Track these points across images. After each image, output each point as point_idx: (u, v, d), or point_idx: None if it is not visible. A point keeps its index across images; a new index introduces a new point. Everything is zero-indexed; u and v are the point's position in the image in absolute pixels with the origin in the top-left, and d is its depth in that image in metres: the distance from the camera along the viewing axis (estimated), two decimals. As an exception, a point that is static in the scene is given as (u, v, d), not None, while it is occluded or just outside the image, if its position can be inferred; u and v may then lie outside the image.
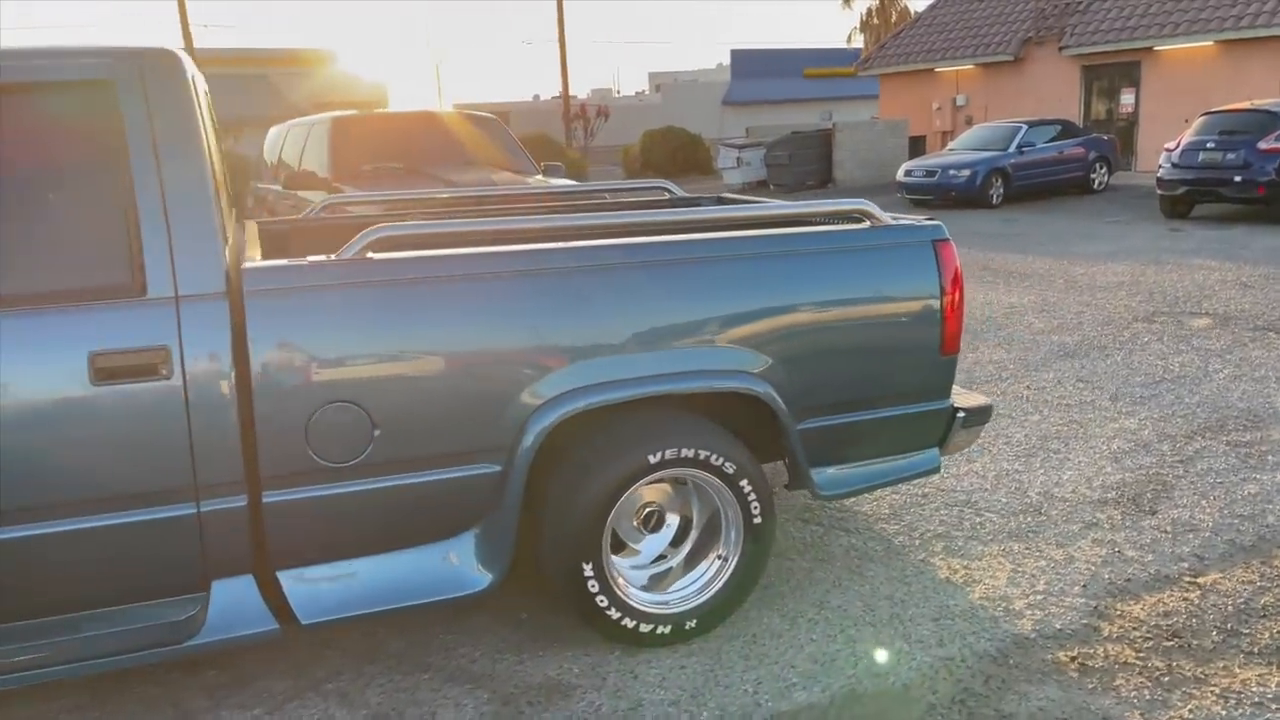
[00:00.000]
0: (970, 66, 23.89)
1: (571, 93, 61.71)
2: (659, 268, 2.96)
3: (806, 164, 22.23)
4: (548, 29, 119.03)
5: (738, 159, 23.24)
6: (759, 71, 49.29)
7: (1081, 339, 6.97)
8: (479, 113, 9.41)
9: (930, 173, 17.25)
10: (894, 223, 3.31)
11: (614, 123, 41.69)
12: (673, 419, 3.06)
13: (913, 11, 26.94)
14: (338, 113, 8.59)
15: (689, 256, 3.01)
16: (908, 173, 17.72)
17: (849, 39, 34.99)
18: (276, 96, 42.97)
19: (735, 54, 51.09)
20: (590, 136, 43.94)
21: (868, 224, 3.29)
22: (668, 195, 4.94)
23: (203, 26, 41.09)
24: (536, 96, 60.08)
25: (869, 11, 30.16)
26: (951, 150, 18.51)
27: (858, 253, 3.23)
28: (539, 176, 8.51)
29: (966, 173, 16.84)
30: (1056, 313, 7.91)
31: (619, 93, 71.93)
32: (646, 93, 59.89)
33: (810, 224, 3.64)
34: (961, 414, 3.47)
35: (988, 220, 14.92)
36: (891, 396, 3.33)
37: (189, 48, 34.66)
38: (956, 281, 3.32)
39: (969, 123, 22.98)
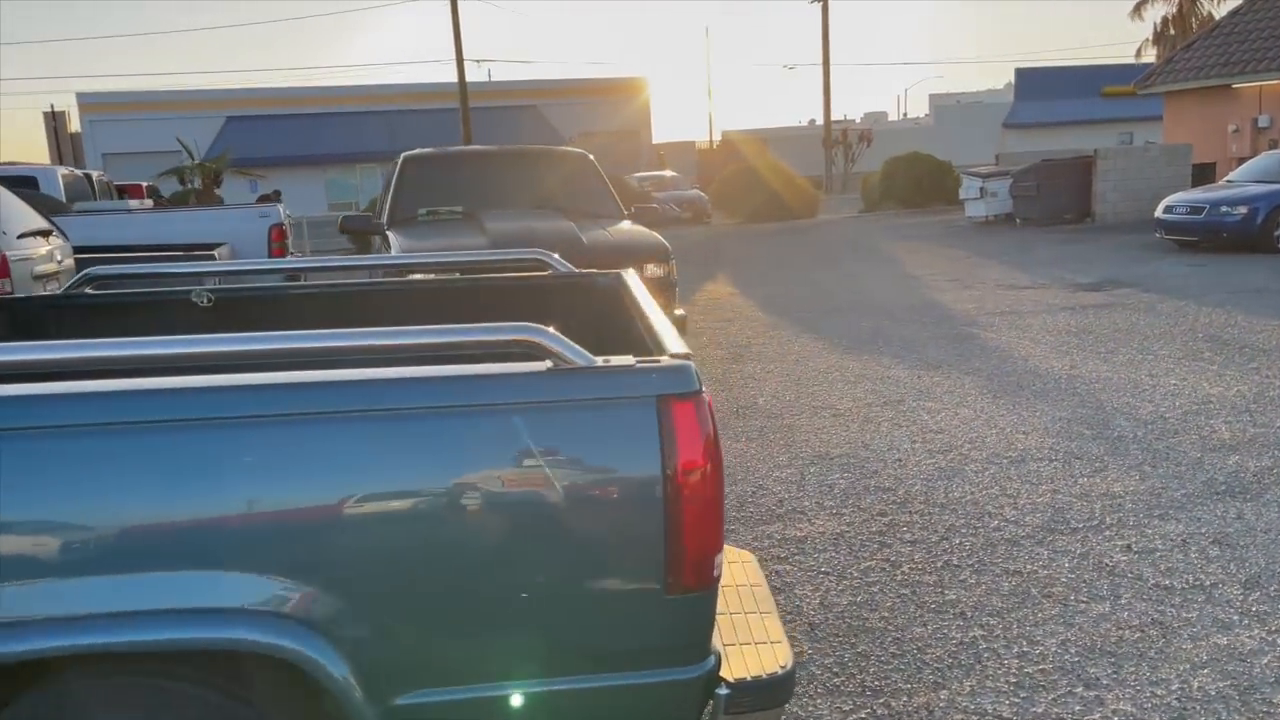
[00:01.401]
0: (1278, 82, 20.16)
1: (848, 116, 60.07)
2: (100, 434, 1.81)
3: (1059, 195, 19.56)
4: (832, 52, 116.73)
5: (981, 189, 20.91)
6: (1046, 91, 45.30)
7: None
8: (570, 149, 8.46)
9: (1196, 209, 14.42)
10: (592, 364, 1.95)
11: (883, 148, 39.35)
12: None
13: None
14: (415, 151, 7.93)
15: (153, 418, 1.84)
16: (1169, 209, 14.94)
17: (1138, 54, 31.01)
18: (544, 126, 44.49)
19: (1020, 73, 47.35)
20: (851, 162, 42.08)
21: (547, 365, 1.96)
22: (549, 270, 3.72)
23: (475, 62, 43.07)
24: (812, 121, 58.70)
25: (1163, 21, 26.43)
26: (1229, 182, 15.46)
27: (516, 415, 1.91)
28: (626, 223, 7.42)
29: (1243, 210, 13.91)
30: None
31: (905, 115, 69.08)
32: (923, 115, 56.87)
33: (467, 356, 2.29)
34: (725, 691, 2.04)
35: (1268, 271, 12.10)
36: (569, 659, 1.97)
37: (461, 81, 36.37)
38: (702, 469, 1.93)
39: (1273, 147, 19.33)
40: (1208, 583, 3.67)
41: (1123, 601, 3.56)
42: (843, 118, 60.26)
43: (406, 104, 42.71)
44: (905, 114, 70.41)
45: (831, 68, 38.79)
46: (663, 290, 6.57)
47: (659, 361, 1.97)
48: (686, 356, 2.02)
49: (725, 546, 2.27)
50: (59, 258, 6.14)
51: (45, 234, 6.06)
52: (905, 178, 25.31)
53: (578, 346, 1.95)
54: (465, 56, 37.05)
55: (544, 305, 3.61)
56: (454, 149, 8.29)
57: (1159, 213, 15.11)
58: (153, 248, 7.69)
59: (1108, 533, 4.18)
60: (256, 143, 41.17)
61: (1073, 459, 5.18)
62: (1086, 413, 6.06)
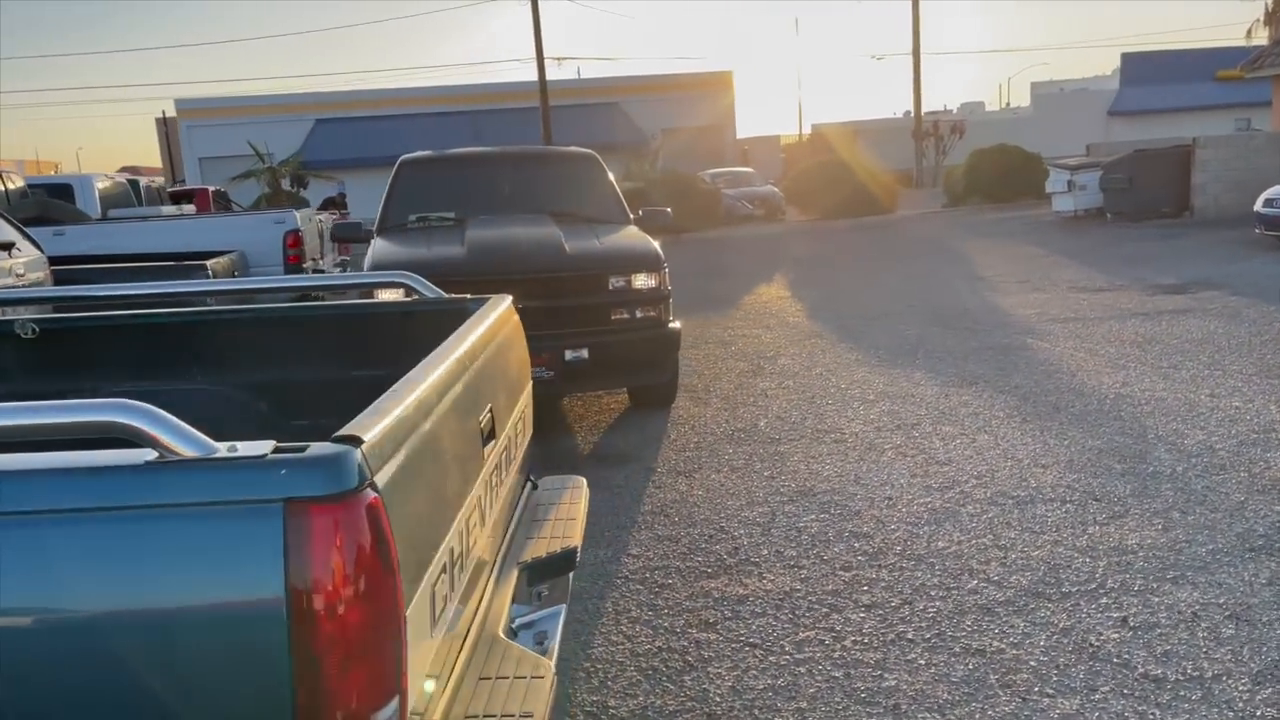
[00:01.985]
0: (1403, 59, 18.46)
1: (947, 107, 58.02)
2: None
3: (1154, 188, 18.27)
4: (927, 40, 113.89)
5: (1069, 182, 19.72)
6: (1154, 76, 43.02)
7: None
8: (578, 149, 7.97)
9: (1300, 201, 13.19)
10: (210, 454, 1.46)
11: (977, 139, 37.91)
12: None
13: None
14: (413, 154, 7.56)
15: None
16: (1269, 202, 13.71)
17: (1248, 34, 28.99)
18: (625, 123, 44.13)
19: (1126, 58, 45.10)
20: (942, 155, 40.61)
21: (148, 457, 1.46)
22: (410, 297, 3.26)
23: (556, 60, 42.96)
24: (906, 113, 57.03)
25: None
26: (1340, 171, 14.11)
27: (98, 523, 1.43)
28: (628, 229, 6.92)
29: (1353, 202, 12.64)
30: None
31: (1008, 104, 66.57)
32: (1024, 105, 54.61)
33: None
34: None
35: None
36: None
37: (541, 79, 36.24)
38: (348, 598, 1.43)
39: (1396, 132, 17.71)
40: (1209, 673, 2.99)
41: (1097, 697, 2.91)
42: (943, 108, 58.32)
43: (490, 104, 42.87)
44: (1008, 103, 67.89)
45: (922, 57, 37.44)
46: (653, 302, 6.05)
47: (303, 449, 1.47)
48: (354, 440, 1.51)
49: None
50: (21, 272, 5.95)
51: (5, 247, 5.88)
52: (991, 171, 24.12)
53: (192, 430, 1.47)
54: (546, 55, 36.97)
55: (406, 334, 3.16)
56: (454, 152, 7.90)
57: (1258, 206, 13.90)
58: (146, 257, 7.51)
59: (1104, 600, 3.51)
60: (342, 145, 41.86)
61: (1090, 501, 4.48)
62: (1124, 441, 5.32)
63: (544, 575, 2.62)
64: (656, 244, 6.40)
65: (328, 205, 21.82)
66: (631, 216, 7.28)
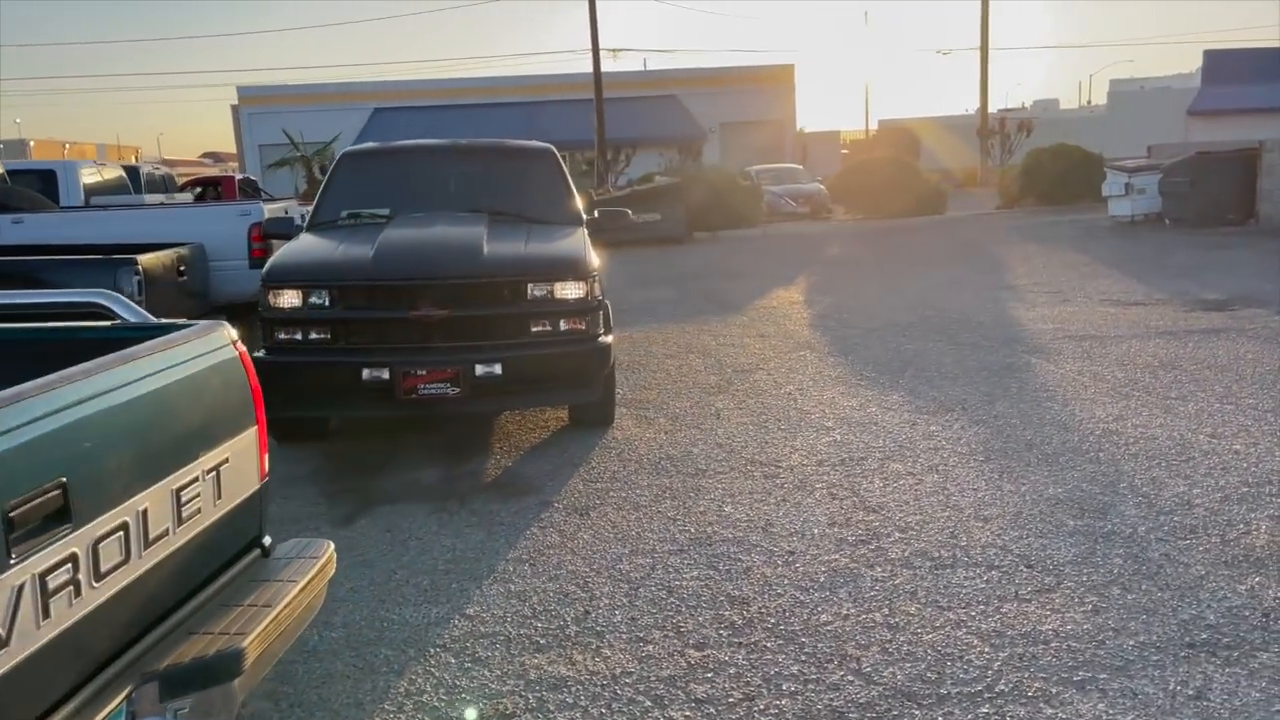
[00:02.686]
0: None
1: (1025, 104, 56.10)
2: None
3: (1217, 193, 17.10)
4: (1001, 34, 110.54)
5: (1127, 185, 18.61)
6: (1238, 75, 40.98)
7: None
8: (531, 143, 7.42)
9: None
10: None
11: (1046, 138, 36.52)
12: None
13: None
14: (356, 146, 7.09)
15: None
16: (1335, 211, 12.59)
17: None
18: (683, 116, 43.47)
19: (1209, 55, 43.04)
20: (1009, 153, 39.15)
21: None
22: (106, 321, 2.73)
23: (611, 52, 42.44)
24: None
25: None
26: None
27: None
28: (573, 232, 6.37)
29: None
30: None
31: (1088, 102, 64.26)
32: (1102, 104, 52.61)
33: None
34: None
35: None
36: None
37: (596, 70, 35.77)
38: None
39: None
40: (1078, 831, 2.34)
41: None
42: (1021, 105, 56.30)
43: (546, 95, 42.56)
44: (1088, 101, 65.55)
45: (993, 53, 36.08)
46: (579, 313, 5.49)
47: None
48: None
49: None
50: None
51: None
52: (1048, 171, 22.97)
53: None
54: (603, 47, 36.44)
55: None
56: (397, 144, 7.41)
57: (1323, 215, 12.78)
58: (86, 249, 7.18)
59: (984, 710, 2.86)
60: (398, 134, 41.81)
61: (1021, 567, 3.81)
62: (1089, 491, 4.62)
63: (183, 688, 2.08)
64: (587, 249, 5.83)
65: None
66: (585, 218, 6.71)
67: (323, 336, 5.37)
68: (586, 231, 6.46)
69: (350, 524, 4.57)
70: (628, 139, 37.91)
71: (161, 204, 9.75)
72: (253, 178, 20.82)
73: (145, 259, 6.89)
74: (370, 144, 7.25)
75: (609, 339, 5.68)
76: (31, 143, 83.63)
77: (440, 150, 7.35)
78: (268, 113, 42.76)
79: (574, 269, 5.53)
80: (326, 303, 5.36)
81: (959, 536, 4.15)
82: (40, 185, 10.69)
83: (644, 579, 3.87)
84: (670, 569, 3.95)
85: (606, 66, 36.22)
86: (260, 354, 5.39)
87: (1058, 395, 6.47)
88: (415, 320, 5.32)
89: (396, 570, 4.02)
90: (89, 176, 11.34)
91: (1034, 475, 4.88)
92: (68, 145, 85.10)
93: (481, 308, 5.40)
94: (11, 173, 11.25)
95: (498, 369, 5.33)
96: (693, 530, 4.35)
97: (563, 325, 5.49)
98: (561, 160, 7.02)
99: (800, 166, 27.63)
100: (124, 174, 12.32)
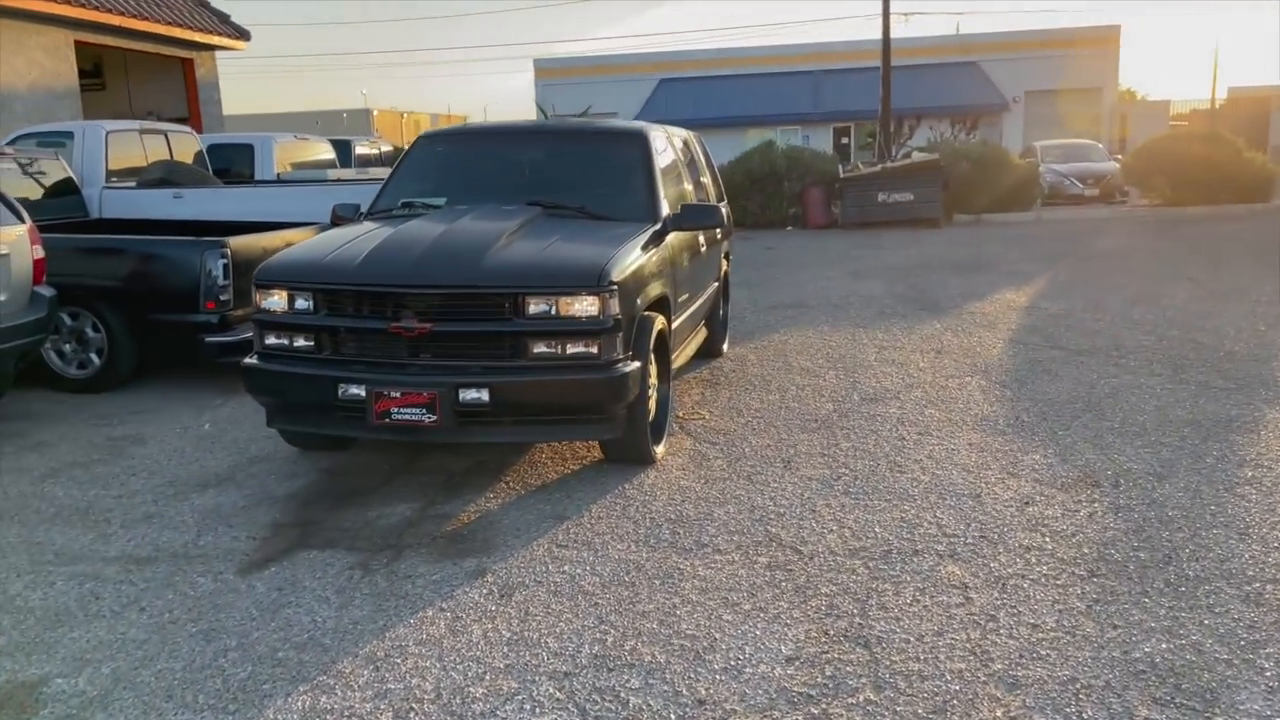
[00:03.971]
0: None
1: None
2: None
3: None
4: None
5: None
6: None
7: None
8: (624, 125, 6.45)
9: None
10: None
11: None
12: None
13: None
14: (435, 129, 6.51)
15: None
16: None
17: None
18: (983, 85, 40.05)
19: None
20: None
21: None
22: None
23: (903, 16, 39.65)
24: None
25: None
26: None
27: None
28: (639, 232, 5.44)
29: None
30: None
31: None
32: None
33: None
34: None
35: None
36: None
37: (885, 34, 33.72)
38: None
39: None
40: None
41: None
42: None
43: (832, 63, 40.78)
44: None
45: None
46: (590, 334, 4.57)
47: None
48: None
49: None
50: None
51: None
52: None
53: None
54: (893, 11, 34.15)
55: None
56: (474, 126, 6.70)
57: None
58: (217, 227, 7.18)
59: None
60: (681, 104, 41.72)
61: None
62: (1217, 667, 3.12)
63: None
64: (621, 256, 4.83)
65: None
66: (666, 214, 5.70)
67: (308, 344, 4.78)
68: (656, 232, 5.46)
69: (251, 572, 3.95)
70: (917, 109, 35.47)
71: (339, 180, 9.69)
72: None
73: (237, 241, 6.66)
74: (449, 127, 6.60)
75: (632, 366, 4.69)
76: (375, 112, 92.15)
77: (517, 134, 6.58)
78: (561, 84, 44.03)
79: (584, 280, 4.58)
80: (311, 307, 4.76)
81: None
82: (239, 158, 11.11)
83: (486, 714, 2.93)
84: (529, 704, 2.98)
85: (898, 32, 33.92)
86: (249, 360, 4.90)
87: (1270, 478, 4.72)
88: (396, 334, 4.60)
89: (228, 651, 3.34)
90: (289, 151, 11.62)
91: (1142, 616, 3.40)
92: (405, 115, 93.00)
93: (471, 323, 4.59)
94: (217, 146, 11.79)
95: (484, 396, 4.51)
96: (610, 642, 3.34)
97: (569, 348, 4.57)
98: (652, 147, 6.01)
99: (1097, 143, 24.27)
100: (333, 149, 12.63)
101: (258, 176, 11.38)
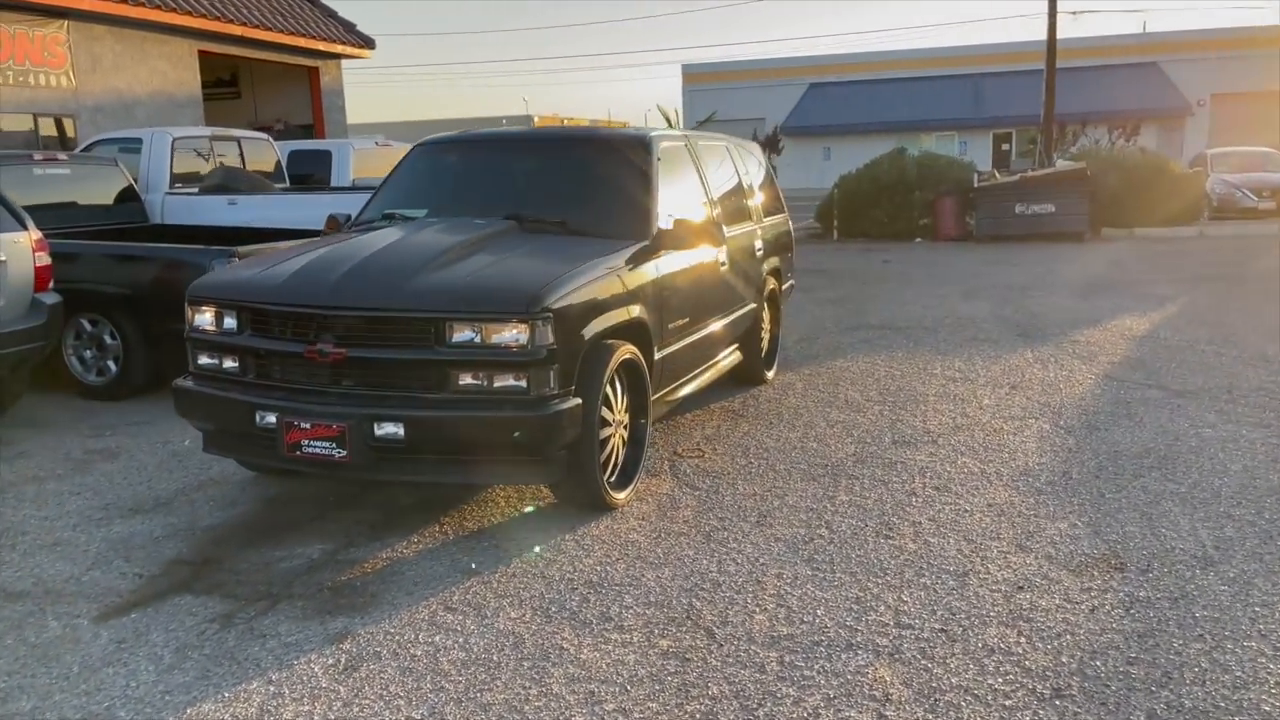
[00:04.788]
0: None
1: None
2: None
3: None
4: None
5: None
6: None
7: None
8: (623, 132, 5.91)
9: None
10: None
11: None
12: None
13: None
14: (432, 136, 6.13)
15: None
16: None
17: None
18: (1163, 87, 37.19)
19: None
20: None
21: None
22: None
23: (1071, 14, 37.09)
24: None
25: None
26: None
27: None
28: (613, 252, 4.93)
29: None
30: None
31: None
32: None
33: None
34: None
35: None
36: None
37: (1050, 33, 31.86)
38: None
39: None
40: None
41: None
42: None
43: (994, 65, 38.80)
44: None
45: None
46: (519, 366, 4.06)
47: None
48: None
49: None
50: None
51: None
52: None
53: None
54: (1060, 9, 32.06)
55: None
56: (472, 134, 6.22)
57: None
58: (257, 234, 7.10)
59: None
60: (831, 110, 40.59)
61: None
62: None
63: None
64: (567, 279, 4.29)
65: None
66: (658, 230, 5.14)
67: (233, 367, 4.46)
68: (641, 250, 4.91)
69: (108, 619, 3.62)
70: (1085, 113, 33.21)
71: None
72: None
73: (246, 250, 6.48)
74: (447, 134, 6.19)
75: (569, 403, 4.15)
76: (536, 118, 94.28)
77: (511, 143, 6.13)
78: (706, 90, 43.59)
79: (512, 305, 4.06)
80: (235, 327, 4.44)
81: None
82: (317, 164, 11.14)
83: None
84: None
85: (1068, 31, 31.84)
86: (179, 381, 4.63)
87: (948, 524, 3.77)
88: (310, 359, 4.21)
89: (15, 716, 3.00)
90: (370, 158, 11.58)
91: (1088, 763, 2.63)
92: (564, 120, 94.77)
93: (390, 350, 4.15)
94: (300, 152, 11.86)
95: (400, 431, 4.07)
96: (424, 742, 2.82)
97: (496, 381, 4.07)
98: (653, 157, 5.43)
99: (1276, 152, 21.87)
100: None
101: (333, 183, 11.39)
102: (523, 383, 4.07)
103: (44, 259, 6.18)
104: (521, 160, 5.80)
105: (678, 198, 5.61)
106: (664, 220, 5.20)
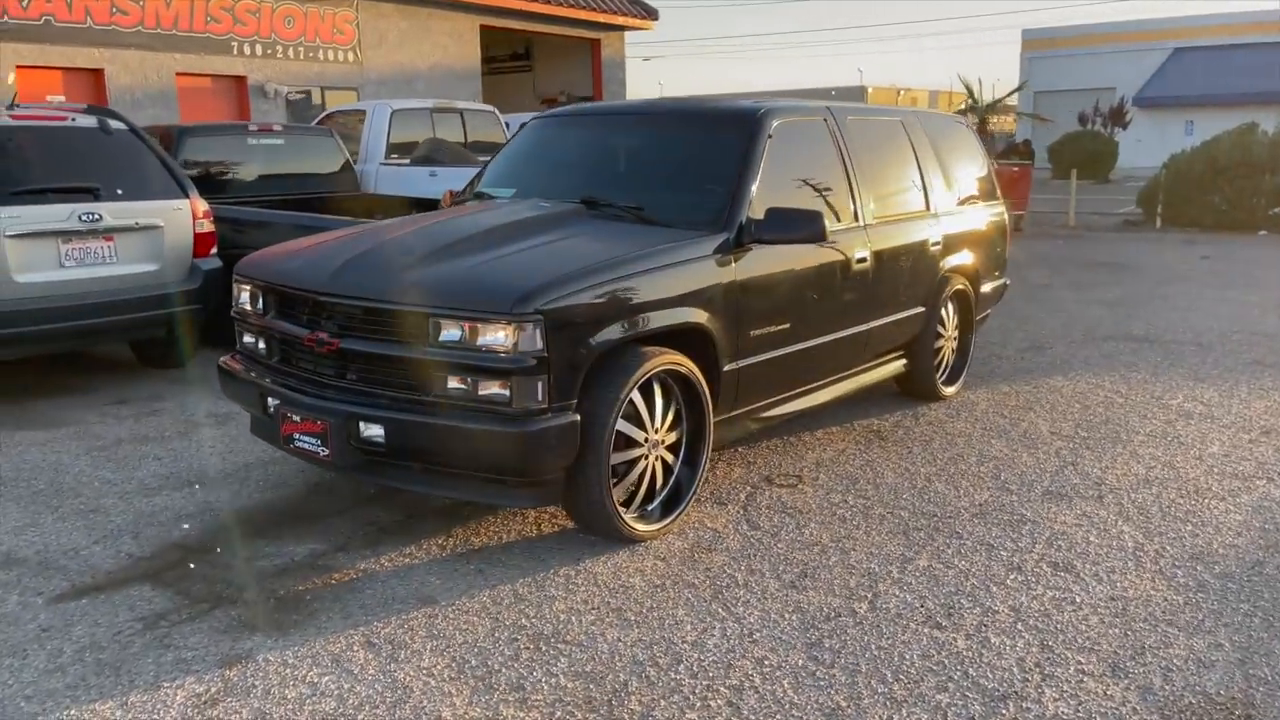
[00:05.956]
0: None
1: None
2: None
3: None
4: None
5: None
6: None
7: None
8: (732, 104, 5.04)
9: None
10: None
11: None
12: None
13: None
14: (549, 111, 5.70)
15: None
16: None
17: None
18: None
19: None
20: None
21: None
22: None
23: None
24: None
25: None
26: None
27: None
28: (683, 245, 4.32)
29: None
30: None
31: None
32: None
33: None
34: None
35: None
36: None
37: None
38: None
39: None
40: None
41: None
42: None
43: None
44: None
45: None
46: (501, 373, 3.59)
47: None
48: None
49: None
50: (95, 216, 5.81)
51: (80, 192, 5.85)
52: None
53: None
54: None
55: None
56: (581, 108, 5.59)
57: None
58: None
59: None
60: (1198, 78, 35.73)
61: None
62: None
63: None
64: (579, 273, 3.71)
65: (1008, 153, 18.62)
66: (745, 220, 4.39)
67: (258, 349, 4.31)
68: (720, 244, 4.22)
69: (62, 601, 3.55)
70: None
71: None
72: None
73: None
74: (560, 109, 5.68)
75: (564, 419, 3.59)
76: (870, 89, 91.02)
77: (619, 117, 5.46)
78: (1049, 57, 39.96)
79: (496, 304, 3.55)
80: (257, 307, 4.28)
81: None
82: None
83: None
84: None
85: None
86: (222, 360, 4.56)
87: None
88: (308, 347, 3.95)
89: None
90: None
91: None
92: (901, 91, 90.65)
93: (380, 344, 3.78)
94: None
95: (379, 433, 3.71)
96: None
97: (482, 388, 3.59)
98: (759, 136, 4.62)
99: None
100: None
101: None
102: (506, 392, 3.55)
103: (205, 226, 6.43)
104: (622, 137, 5.20)
105: (797, 184, 4.80)
106: (757, 209, 4.42)
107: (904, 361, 5.90)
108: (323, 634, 3.30)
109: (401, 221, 4.55)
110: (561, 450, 3.62)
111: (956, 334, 6.33)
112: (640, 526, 3.98)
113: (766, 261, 4.47)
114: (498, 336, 3.54)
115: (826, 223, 4.37)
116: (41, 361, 6.87)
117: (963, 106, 22.71)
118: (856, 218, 5.14)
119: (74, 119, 6.16)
